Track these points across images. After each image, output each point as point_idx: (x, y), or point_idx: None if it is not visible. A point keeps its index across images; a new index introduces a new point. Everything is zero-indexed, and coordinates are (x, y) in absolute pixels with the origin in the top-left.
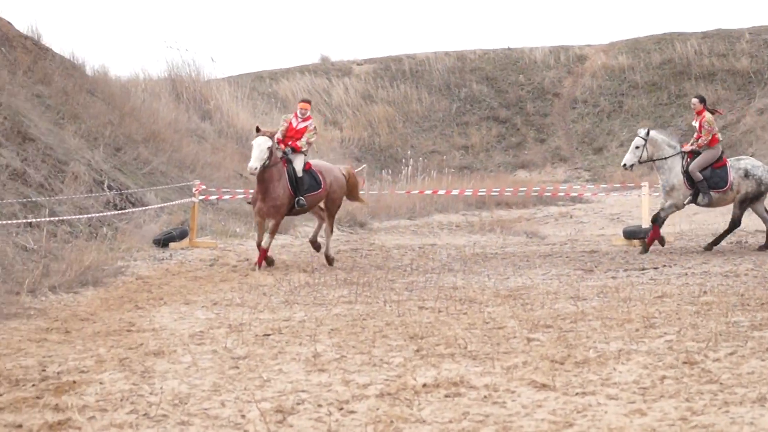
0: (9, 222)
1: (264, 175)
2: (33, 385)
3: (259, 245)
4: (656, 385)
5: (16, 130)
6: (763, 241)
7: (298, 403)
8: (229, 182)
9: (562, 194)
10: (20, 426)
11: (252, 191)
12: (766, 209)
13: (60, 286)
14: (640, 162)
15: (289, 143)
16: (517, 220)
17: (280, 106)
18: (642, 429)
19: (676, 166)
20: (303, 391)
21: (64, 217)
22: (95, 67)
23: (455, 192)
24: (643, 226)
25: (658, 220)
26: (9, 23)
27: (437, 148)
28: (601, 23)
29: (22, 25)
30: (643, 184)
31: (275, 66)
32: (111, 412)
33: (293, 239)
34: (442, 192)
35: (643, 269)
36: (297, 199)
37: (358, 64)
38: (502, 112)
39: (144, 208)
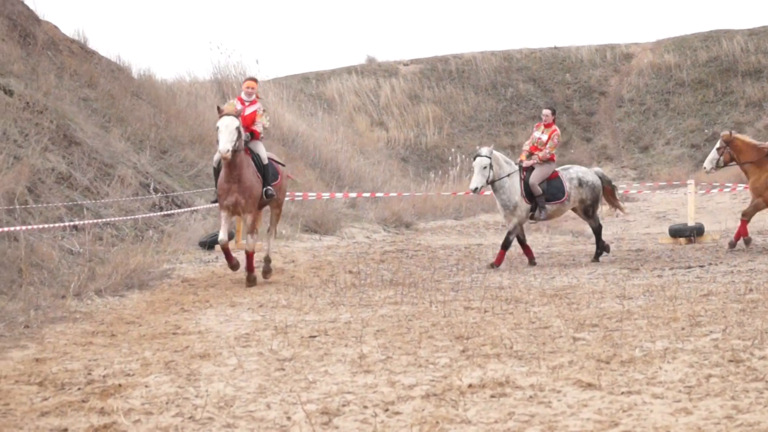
0: (55, 225)
1: (234, 161)
2: (79, 389)
3: (224, 246)
4: (702, 383)
5: (63, 134)
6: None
7: (344, 405)
8: None
9: None
10: (66, 430)
11: (215, 188)
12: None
13: (106, 289)
14: (488, 182)
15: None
16: (563, 219)
17: (326, 107)
18: (687, 428)
19: (516, 182)
20: (349, 392)
21: (111, 219)
22: (141, 70)
23: None
24: (689, 224)
25: (508, 244)
26: (55, 27)
27: None
28: (648, 21)
29: (68, 29)
30: (689, 181)
31: (322, 67)
32: (156, 415)
33: (339, 240)
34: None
35: (689, 267)
36: (266, 189)
37: (404, 65)
38: None
39: (190, 209)
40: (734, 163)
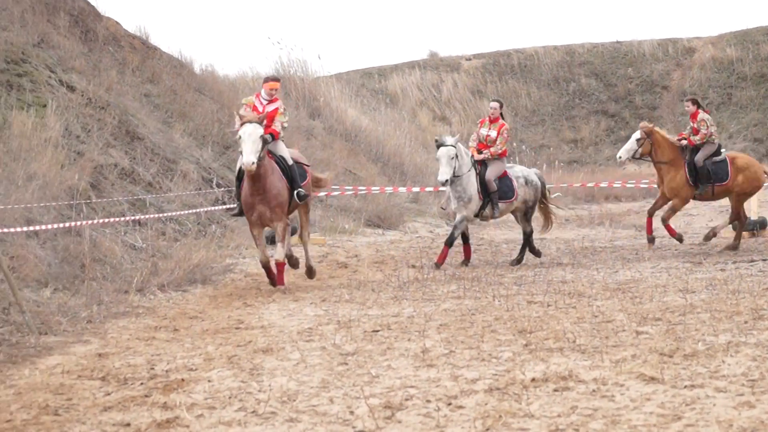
0: (118, 220)
1: (258, 171)
2: (141, 384)
3: (266, 264)
4: (765, 377)
5: (125, 130)
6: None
7: (407, 399)
8: (338, 179)
9: None
10: (128, 425)
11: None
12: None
13: (168, 284)
14: (455, 175)
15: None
16: (626, 213)
17: (389, 102)
18: (750, 421)
19: (473, 176)
20: (412, 386)
21: (173, 214)
22: (203, 65)
23: (563, 186)
24: (753, 218)
25: (452, 241)
26: (117, 23)
27: (546, 142)
28: (710, 15)
29: (130, 25)
30: None
31: (384, 62)
32: (219, 409)
33: (402, 234)
34: (550, 186)
35: (752, 261)
36: (297, 191)
37: (466, 59)
38: (611, 105)
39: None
40: (649, 158)
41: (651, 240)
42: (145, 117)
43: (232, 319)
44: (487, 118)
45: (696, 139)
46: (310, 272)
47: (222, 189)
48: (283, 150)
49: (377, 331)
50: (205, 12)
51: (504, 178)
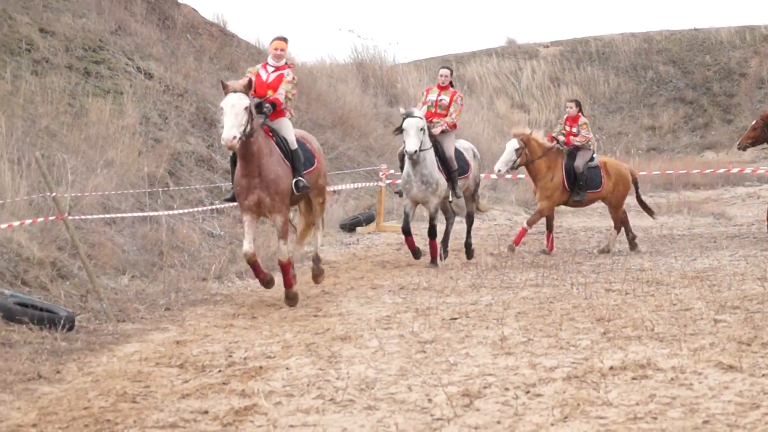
0: (196, 209)
1: (249, 149)
2: (219, 371)
3: (251, 258)
4: None
5: (203, 117)
6: None
7: (485, 387)
8: None
9: (749, 174)
10: (206, 412)
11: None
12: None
13: (246, 272)
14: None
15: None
16: (705, 201)
17: (466, 89)
18: None
19: (432, 155)
20: (490, 374)
21: None
22: None
23: (642, 173)
24: None
25: (435, 232)
26: (194, 10)
27: (624, 130)
28: None
29: (207, 12)
30: None
31: (462, 49)
32: (297, 397)
33: (480, 222)
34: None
35: None
36: (296, 180)
37: (544, 47)
38: (689, 93)
39: (331, 189)
40: (525, 166)
41: (511, 249)
42: None
43: (310, 307)
44: (435, 86)
45: (576, 140)
46: (317, 264)
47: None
48: (288, 130)
49: (455, 318)
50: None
51: (456, 152)
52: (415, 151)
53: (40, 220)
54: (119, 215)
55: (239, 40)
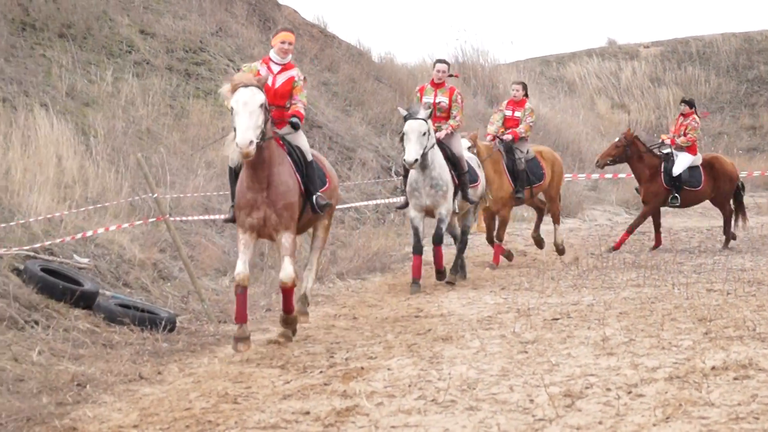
0: None
1: (260, 156)
2: (321, 372)
3: (245, 282)
4: None
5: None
6: None
7: (587, 387)
8: None
9: None
10: (308, 413)
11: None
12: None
13: (347, 272)
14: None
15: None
16: None
17: (566, 90)
18: None
19: (440, 156)
20: (591, 375)
21: (354, 204)
22: (381, 53)
23: (743, 173)
24: None
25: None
26: (295, 11)
27: (725, 130)
28: None
29: (308, 14)
30: None
31: (562, 50)
32: (399, 398)
33: (581, 222)
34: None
35: None
36: (315, 196)
37: (645, 47)
38: None
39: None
40: None
41: (492, 267)
42: (324, 105)
43: (411, 308)
44: (429, 84)
45: (520, 130)
46: (303, 305)
47: (400, 177)
48: (301, 138)
49: (557, 319)
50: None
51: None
52: (416, 160)
53: (138, 222)
54: (220, 216)
55: (340, 41)
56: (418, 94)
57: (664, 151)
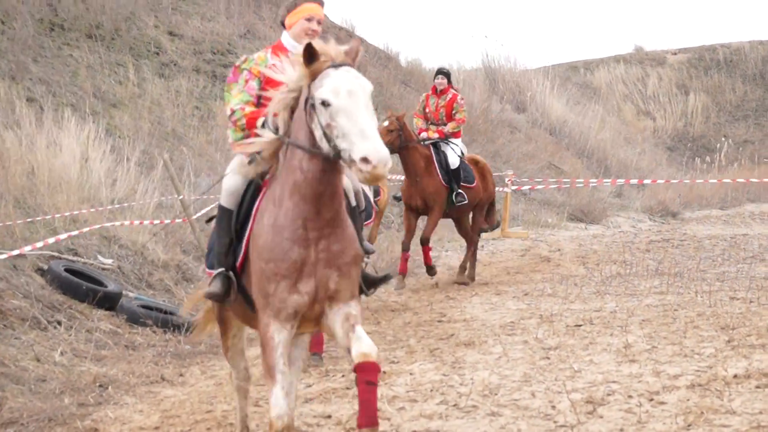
0: None
1: (330, 182)
2: (342, 376)
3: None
4: None
5: None
6: None
7: (609, 394)
8: (542, 172)
9: None
10: (329, 416)
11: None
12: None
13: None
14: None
15: None
16: None
17: (593, 95)
18: None
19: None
20: (613, 381)
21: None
22: (409, 58)
23: (767, 180)
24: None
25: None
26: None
27: (750, 137)
28: None
29: (336, 17)
30: None
31: (589, 56)
32: (421, 402)
33: (605, 229)
34: (755, 180)
35: None
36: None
37: (672, 54)
38: None
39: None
40: None
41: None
42: None
43: (434, 312)
44: (432, 92)
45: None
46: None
47: None
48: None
49: (579, 325)
50: (411, 4)
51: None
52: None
53: (166, 221)
54: None
55: (367, 45)
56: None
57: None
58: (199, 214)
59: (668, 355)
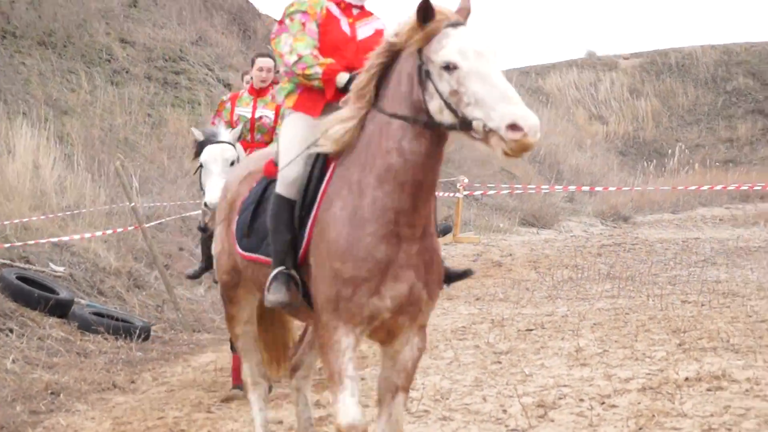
0: None
1: (433, 168)
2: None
3: None
4: None
5: None
6: None
7: (560, 398)
8: (494, 177)
9: None
10: (281, 422)
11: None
12: None
13: None
14: None
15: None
16: None
17: (544, 100)
18: None
19: None
20: (565, 385)
21: None
22: None
23: (719, 187)
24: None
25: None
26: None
27: (702, 142)
28: None
29: None
30: None
31: (542, 61)
32: (372, 407)
33: (557, 234)
34: (706, 187)
35: None
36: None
37: (624, 59)
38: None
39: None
40: None
41: None
42: None
43: None
44: (245, 92)
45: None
46: None
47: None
48: None
49: (531, 330)
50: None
51: None
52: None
53: (119, 230)
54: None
55: None
56: (229, 101)
57: None
58: (152, 223)
59: (619, 358)
